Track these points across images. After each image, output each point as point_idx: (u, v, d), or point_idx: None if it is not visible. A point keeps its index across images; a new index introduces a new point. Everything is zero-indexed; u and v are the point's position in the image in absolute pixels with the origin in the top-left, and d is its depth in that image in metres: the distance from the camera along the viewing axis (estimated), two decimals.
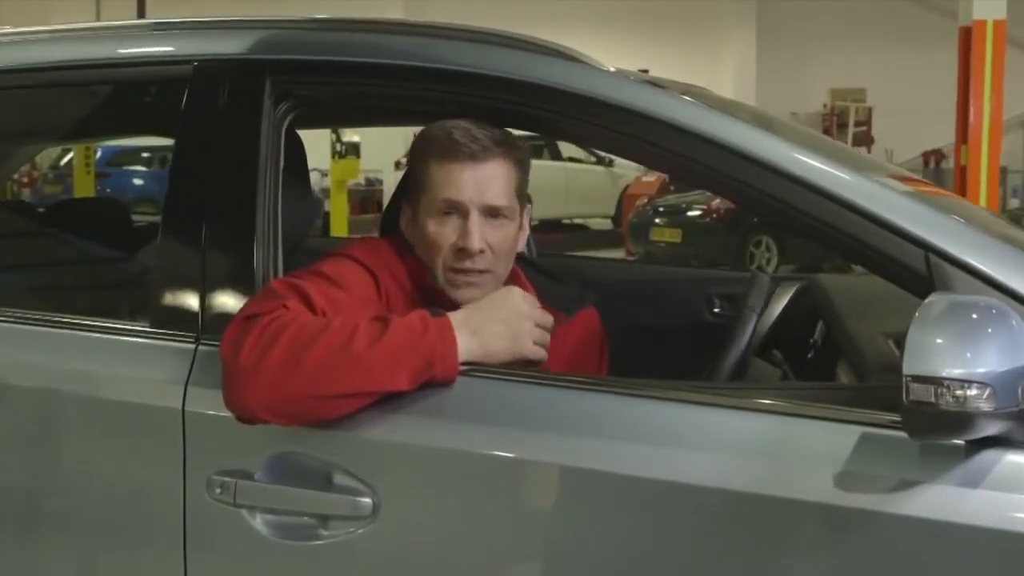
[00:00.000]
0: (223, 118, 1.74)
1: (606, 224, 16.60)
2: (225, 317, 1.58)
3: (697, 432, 1.44)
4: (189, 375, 1.61)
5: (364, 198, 16.01)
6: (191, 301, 1.67)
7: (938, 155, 15.60)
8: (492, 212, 1.70)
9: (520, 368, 1.56)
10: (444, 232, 1.70)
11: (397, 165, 14.59)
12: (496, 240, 1.70)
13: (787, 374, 1.92)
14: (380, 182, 16.23)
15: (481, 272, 1.70)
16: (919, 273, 1.44)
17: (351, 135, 13.38)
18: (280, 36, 1.81)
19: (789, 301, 2.10)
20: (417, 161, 1.74)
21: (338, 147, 13.02)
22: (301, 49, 1.79)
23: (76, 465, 1.68)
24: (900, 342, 1.50)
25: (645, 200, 13.25)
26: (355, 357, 1.46)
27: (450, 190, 1.69)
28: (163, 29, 1.91)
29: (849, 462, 1.35)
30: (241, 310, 1.54)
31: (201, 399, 1.58)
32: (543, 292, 1.78)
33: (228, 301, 1.65)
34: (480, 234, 1.68)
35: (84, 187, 11.52)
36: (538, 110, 1.66)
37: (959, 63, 7.23)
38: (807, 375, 1.95)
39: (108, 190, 14.88)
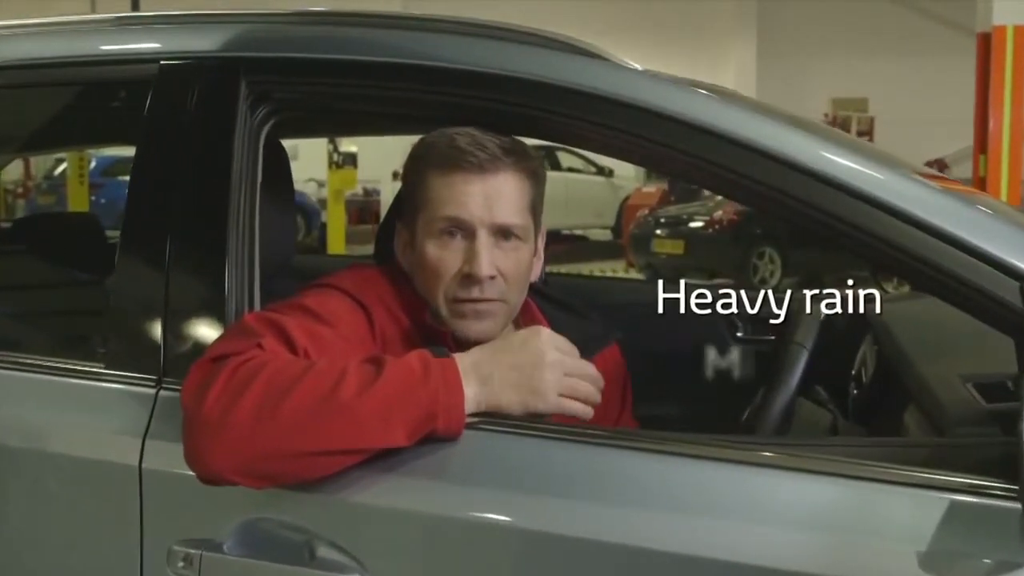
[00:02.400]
0: (191, 124, 1.51)
1: (606, 235, 16.41)
2: (191, 357, 1.35)
3: (751, 501, 1.21)
4: (148, 425, 1.39)
5: (362, 208, 15.97)
6: (151, 338, 1.43)
7: (940, 164, 15.43)
8: (503, 232, 1.47)
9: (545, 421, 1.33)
10: (447, 256, 1.46)
11: (395, 176, 14.42)
12: (508, 266, 1.47)
13: (836, 416, 1.69)
14: (378, 192, 16.13)
15: (491, 302, 1.46)
16: (1013, 308, 1.20)
17: (348, 145, 13.35)
18: (257, 31, 1.58)
19: (833, 327, 1.87)
20: (415, 174, 1.51)
21: (335, 157, 13.03)
22: (281, 45, 1.56)
23: (16, 531, 1.44)
24: (983, 387, 1.26)
25: (646, 211, 13.17)
26: (342, 407, 1.23)
27: (454, 206, 1.45)
28: (126, 24, 1.68)
29: (939, 539, 1.12)
30: (207, 350, 1.31)
31: (162, 454, 1.35)
32: (558, 328, 1.54)
33: (195, 338, 1.42)
34: (489, 258, 1.45)
35: (78, 198, 11.36)
36: (557, 115, 1.42)
37: (977, 70, 6.99)
38: (858, 416, 1.72)
39: (103, 201, 14.66)
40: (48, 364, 1.50)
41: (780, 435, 1.52)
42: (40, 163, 16.23)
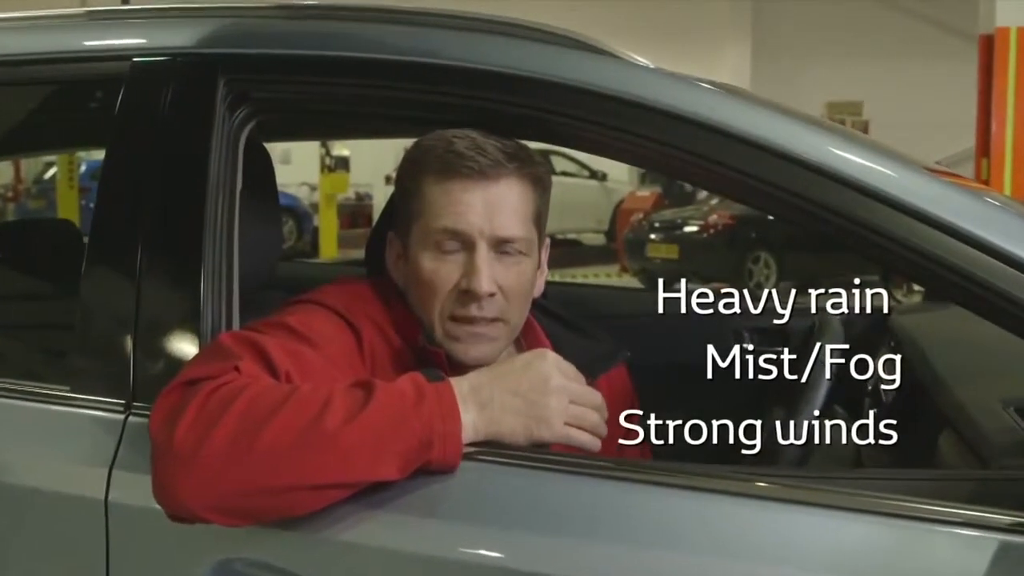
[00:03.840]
0: (165, 126, 1.40)
1: (600, 240, 16.33)
2: (163, 379, 1.23)
3: (770, 541, 1.10)
4: (115, 455, 1.27)
5: (354, 213, 15.91)
6: (120, 358, 1.31)
7: (935, 168, 15.39)
8: (504, 245, 1.35)
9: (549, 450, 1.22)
10: (443, 270, 1.35)
11: (388, 180, 14.34)
12: (509, 281, 1.36)
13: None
14: (370, 196, 16.06)
15: (490, 321, 1.35)
16: None
17: (340, 148, 13.32)
18: (237, 26, 1.47)
19: (852, 339, 1.76)
20: (409, 180, 1.40)
21: (327, 161, 13.01)
22: (262, 41, 1.44)
23: None
24: None
25: (640, 215, 13.10)
26: (327, 437, 1.11)
27: (451, 216, 1.34)
28: (98, 19, 1.57)
29: None
30: (179, 373, 1.19)
31: (130, 487, 1.23)
32: (562, 347, 1.43)
33: (168, 358, 1.30)
34: (490, 273, 1.34)
35: (67, 202, 11.24)
36: (565, 117, 1.31)
37: (979, 73, 6.89)
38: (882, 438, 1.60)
39: (91, 205, 14.55)
40: (8, 386, 1.38)
41: (801, 462, 1.41)
42: (31, 167, 16.12)
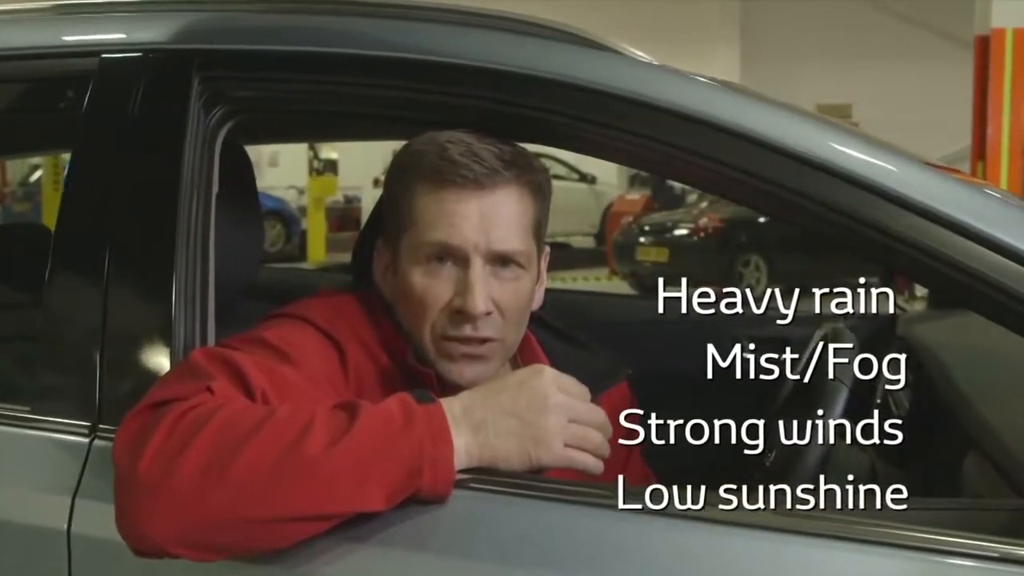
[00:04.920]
0: (135, 127, 1.31)
1: (589, 242, 16.27)
2: (132, 399, 1.14)
3: None
4: (79, 481, 1.17)
5: (342, 216, 15.84)
6: (85, 376, 1.22)
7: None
8: (501, 259, 1.26)
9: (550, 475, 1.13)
10: (435, 287, 1.26)
11: (376, 183, 14.27)
12: (506, 297, 1.26)
13: (873, 460, 1.49)
14: (358, 199, 15.99)
15: (485, 341, 1.26)
16: None
17: (328, 151, 13.27)
18: (213, 20, 1.38)
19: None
20: (399, 187, 1.30)
21: (315, 164, 12.95)
22: (241, 36, 1.35)
23: None
24: None
25: (630, 218, 13.06)
26: (307, 464, 1.02)
27: (444, 229, 1.25)
28: (65, 13, 1.47)
29: None
30: (146, 394, 1.10)
31: (95, 517, 1.13)
32: (560, 363, 1.34)
33: (137, 376, 1.21)
34: (485, 291, 1.24)
35: (52, 205, 11.15)
36: (567, 117, 1.22)
37: (975, 74, 6.82)
38: (897, 457, 1.52)
39: None
40: None
41: (811, 480, 1.32)
42: (16, 169, 15.99)
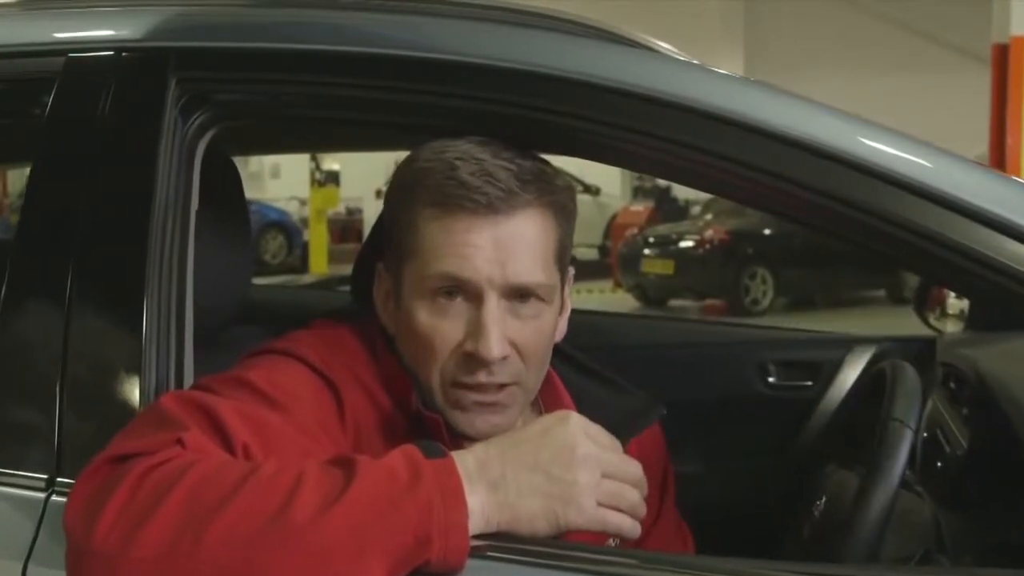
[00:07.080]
0: (104, 134, 1.16)
1: (593, 254, 16.16)
2: (95, 448, 0.98)
3: None
4: (33, 544, 1.02)
5: (344, 227, 15.82)
6: (41, 422, 1.06)
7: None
8: (520, 294, 1.10)
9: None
10: (443, 327, 1.09)
11: (379, 194, 14.18)
12: (526, 337, 1.10)
13: (928, 502, 1.33)
14: (360, 211, 15.95)
15: (502, 387, 1.10)
16: None
17: (331, 162, 13.22)
18: (192, 15, 1.23)
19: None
20: (402, 208, 1.14)
21: (317, 175, 12.90)
22: (224, 33, 1.20)
23: None
24: None
25: (635, 230, 12.98)
26: (296, 532, 0.87)
27: (453, 261, 1.08)
28: (32, 8, 1.32)
29: None
30: (107, 446, 0.95)
31: None
32: (587, 404, 1.17)
33: (101, 423, 1.05)
34: (501, 332, 1.08)
35: None
36: (594, 123, 1.07)
37: (993, 83, 6.67)
38: (956, 501, 1.36)
39: None
40: None
41: (880, 540, 1.16)
42: (17, 180, 15.95)
